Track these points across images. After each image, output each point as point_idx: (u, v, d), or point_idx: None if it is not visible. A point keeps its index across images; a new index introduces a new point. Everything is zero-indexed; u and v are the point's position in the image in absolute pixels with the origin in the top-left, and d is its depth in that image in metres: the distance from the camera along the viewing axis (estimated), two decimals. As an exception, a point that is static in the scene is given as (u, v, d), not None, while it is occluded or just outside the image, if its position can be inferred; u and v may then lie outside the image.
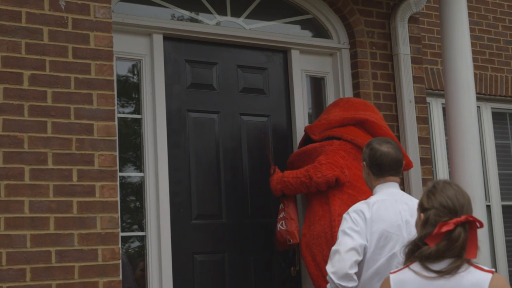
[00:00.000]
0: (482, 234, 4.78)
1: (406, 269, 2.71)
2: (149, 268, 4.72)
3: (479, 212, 4.76)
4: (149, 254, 4.73)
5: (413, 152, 5.59)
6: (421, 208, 2.79)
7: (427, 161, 5.74)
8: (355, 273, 3.46)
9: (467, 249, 2.65)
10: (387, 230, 3.54)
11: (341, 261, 3.44)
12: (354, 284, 3.45)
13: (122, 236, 4.45)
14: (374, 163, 3.72)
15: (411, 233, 3.43)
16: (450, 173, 5.73)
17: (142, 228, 4.77)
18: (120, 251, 4.32)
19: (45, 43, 4.22)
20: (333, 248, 3.53)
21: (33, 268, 3.99)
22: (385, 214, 3.57)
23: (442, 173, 6.52)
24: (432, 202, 2.73)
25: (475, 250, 2.66)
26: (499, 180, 6.99)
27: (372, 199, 3.67)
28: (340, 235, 3.55)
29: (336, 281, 3.42)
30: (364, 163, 3.78)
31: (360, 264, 3.51)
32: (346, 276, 3.43)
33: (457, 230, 2.64)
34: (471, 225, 2.69)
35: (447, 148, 5.93)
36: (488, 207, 6.75)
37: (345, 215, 3.63)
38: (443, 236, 2.65)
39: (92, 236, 4.17)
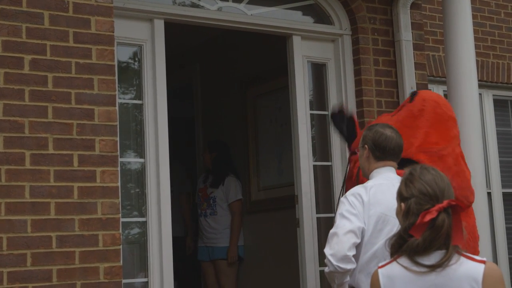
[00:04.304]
0: (483, 222, 4.82)
1: (394, 263, 2.64)
2: (150, 253, 4.71)
3: (480, 200, 4.75)
4: (149, 240, 4.72)
5: (414, 139, 5.57)
6: (401, 197, 2.71)
7: (428, 148, 5.72)
8: (353, 256, 3.48)
9: (452, 235, 2.58)
10: (385, 213, 3.56)
11: (339, 243, 3.48)
12: (352, 266, 3.48)
13: (122, 222, 4.45)
14: (378, 146, 3.73)
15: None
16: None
17: (142, 214, 4.76)
18: (121, 237, 4.32)
19: (46, 27, 4.20)
20: (331, 231, 3.56)
21: (33, 253, 3.98)
22: (382, 198, 3.59)
23: (443, 160, 6.51)
24: (411, 190, 2.66)
25: (461, 235, 2.59)
26: (500, 167, 6.97)
27: (369, 183, 3.69)
28: (338, 218, 3.58)
29: (334, 263, 3.46)
30: (366, 146, 3.77)
31: (358, 247, 3.54)
32: (345, 258, 3.46)
33: (440, 217, 2.56)
34: (454, 209, 2.60)
35: (449, 135, 5.90)
36: (489, 194, 6.74)
37: (342, 199, 3.66)
38: (427, 225, 2.57)
39: (93, 222, 4.16)
